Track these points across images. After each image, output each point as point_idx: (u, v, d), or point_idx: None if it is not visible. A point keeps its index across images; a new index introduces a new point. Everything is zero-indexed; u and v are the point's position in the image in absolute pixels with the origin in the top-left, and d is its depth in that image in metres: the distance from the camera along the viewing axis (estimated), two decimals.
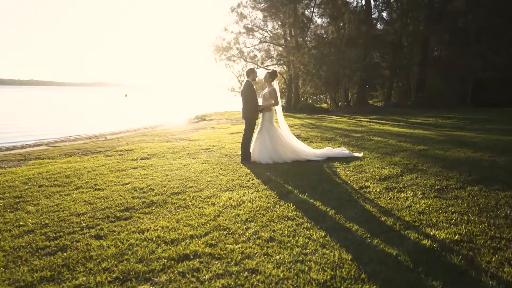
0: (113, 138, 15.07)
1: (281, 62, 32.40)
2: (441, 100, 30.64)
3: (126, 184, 6.16)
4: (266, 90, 7.99)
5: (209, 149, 10.07)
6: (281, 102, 8.22)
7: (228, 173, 6.90)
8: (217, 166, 7.59)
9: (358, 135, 12.18)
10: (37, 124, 26.45)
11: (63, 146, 12.48)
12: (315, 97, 47.82)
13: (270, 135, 7.79)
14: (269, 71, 8.12)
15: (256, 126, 8.19)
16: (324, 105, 39.79)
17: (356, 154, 8.08)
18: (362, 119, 20.03)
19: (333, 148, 8.61)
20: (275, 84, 8.08)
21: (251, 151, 8.01)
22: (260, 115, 8.11)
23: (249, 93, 7.87)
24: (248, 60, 32.59)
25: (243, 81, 9.36)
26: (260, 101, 8.15)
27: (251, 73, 8.06)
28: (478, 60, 29.81)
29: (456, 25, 29.62)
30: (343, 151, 8.18)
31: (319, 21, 44.27)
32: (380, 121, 18.46)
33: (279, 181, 6.16)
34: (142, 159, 8.76)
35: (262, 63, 32.39)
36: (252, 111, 7.87)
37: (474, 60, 29.48)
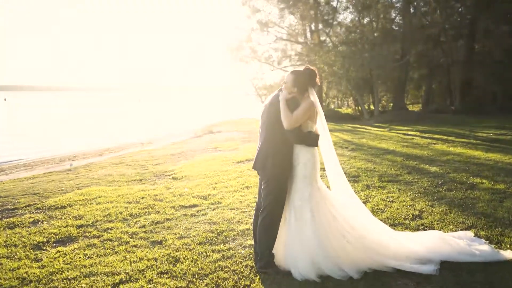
0: (78, 167, 11.01)
1: (301, 62, 27.97)
2: (492, 105, 25.82)
3: None
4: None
5: (194, 207, 5.79)
6: (327, 130, 3.82)
7: None
8: None
9: (437, 169, 7.72)
10: (25, 139, 22.80)
11: None
12: (335, 101, 43.14)
13: (312, 210, 3.44)
14: (302, 69, 3.72)
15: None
16: (349, 111, 35.11)
17: (507, 255, 3.63)
18: (409, 132, 15.51)
19: (443, 232, 4.15)
20: (313, 95, 3.71)
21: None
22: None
23: (276, 120, 3.54)
24: (262, 60, 28.32)
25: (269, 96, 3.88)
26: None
27: (292, 80, 3.61)
28: None
29: (508, 14, 24.74)
30: (474, 244, 3.64)
31: (341, 16, 39.54)
32: (436, 136, 13.91)
33: None
34: (56, 242, 4.56)
35: (278, 63, 28.06)
36: (281, 160, 3.54)
37: None
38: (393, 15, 24.12)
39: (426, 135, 14.35)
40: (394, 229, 4.48)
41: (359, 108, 27.22)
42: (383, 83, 23.30)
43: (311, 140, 3.48)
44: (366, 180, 7.05)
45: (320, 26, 26.14)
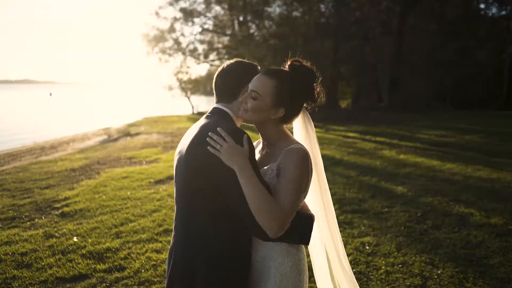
0: None
1: (229, 56, 26.05)
2: (418, 102, 26.18)
3: None
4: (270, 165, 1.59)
5: (80, 281, 3.66)
6: (330, 202, 1.79)
7: None
8: None
9: (403, 190, 6.32)
10: None
11: None
12: None
13: None
14: (289, 68, 1.67)
15: None
16: None
17: None
18: (349, 134, 14.43)
19: None
20: (306, 129, 1.75)
21: None
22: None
23: (212, 185, 1.50)
24: (187, 53, 26.00)
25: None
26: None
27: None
28: (460, 54, 25.71)
29: (435, 12, 25.10)
30: None
31: (271, 8, 38.26)
32: (378, 138, 12.92)
33: None
34: None
35: (205, 57, 25.95)
36: (226, 272, 1.50)
37: (455, 55, 25.30)
38: (324, 9, 23.16)
39: (367, 137, 13.31)
40: None
41: None
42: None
43: (299, 231, 1.57)
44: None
45: (249, 17, 24.50)
